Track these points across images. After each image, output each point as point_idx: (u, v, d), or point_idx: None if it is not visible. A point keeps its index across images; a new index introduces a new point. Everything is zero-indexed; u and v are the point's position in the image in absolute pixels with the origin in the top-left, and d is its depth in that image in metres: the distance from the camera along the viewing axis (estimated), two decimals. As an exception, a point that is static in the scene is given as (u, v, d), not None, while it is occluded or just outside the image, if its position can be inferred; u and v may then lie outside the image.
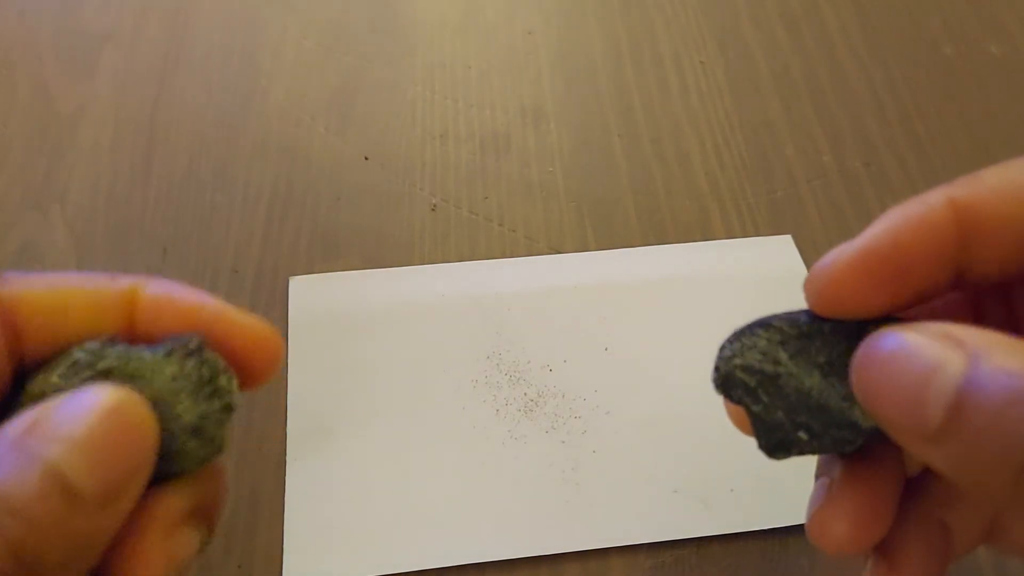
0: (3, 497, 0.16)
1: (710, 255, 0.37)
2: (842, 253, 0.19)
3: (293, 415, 0.32)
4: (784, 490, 0.30)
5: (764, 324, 0.20)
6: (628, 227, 0.38)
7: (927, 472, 0.21)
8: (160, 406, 0.18)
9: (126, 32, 0.45)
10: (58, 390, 0.18)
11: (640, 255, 0.37)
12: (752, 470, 0.30)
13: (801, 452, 0.19)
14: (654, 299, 0.35)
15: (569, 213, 0.38)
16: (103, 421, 0.17)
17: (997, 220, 0.18)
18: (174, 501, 0.19)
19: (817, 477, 0.21)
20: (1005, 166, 0.19)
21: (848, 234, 0.19)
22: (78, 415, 0.17)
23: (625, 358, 0.33)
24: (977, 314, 0.22)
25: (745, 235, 0.37)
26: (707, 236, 0.37)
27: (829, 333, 0.19)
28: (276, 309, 0.35)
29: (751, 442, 0.20)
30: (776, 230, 0.38)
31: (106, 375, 0.19)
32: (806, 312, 0.20)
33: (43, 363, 0.19)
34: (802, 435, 0.19)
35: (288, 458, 0.31)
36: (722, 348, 0.20)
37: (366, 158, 0.40)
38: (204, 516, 0.20)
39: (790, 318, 0.20)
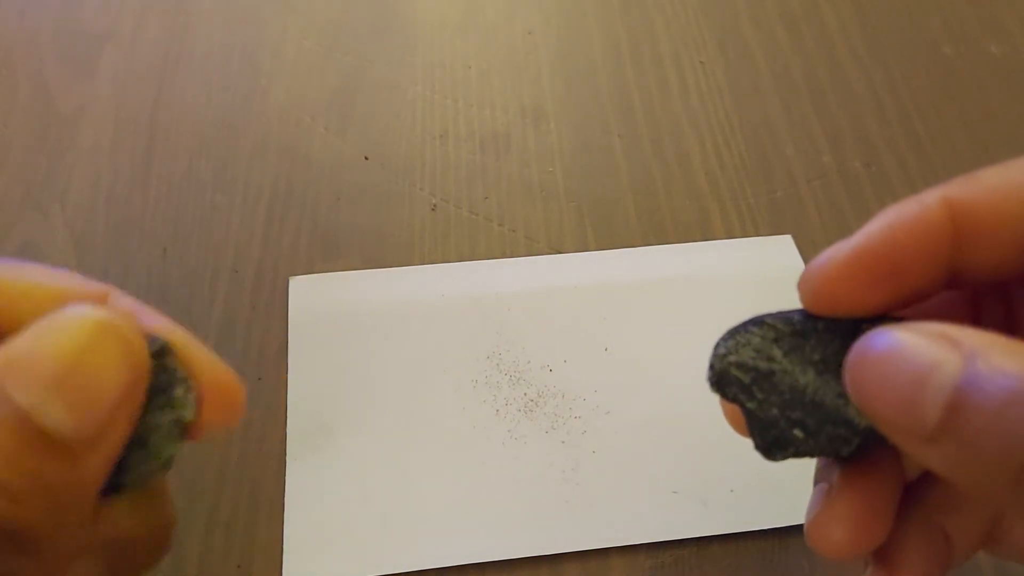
0: None
1: (710, 255, 0.37)
2: (836, 252, 0.19)
3: (293, 415, 0.32)
4: (784, 490, 0.30)
5: (758, 322, 0.20)
6: (628, 227, 0.38)
7: (926, 477, 0.21)
8: None
9: (126, 32, 0.45)
10: None
11: (640, 255, 0.37)
12: (751, 470, 0.30)
13: (797, 452, 0.19)
14: (654, 299, 0.35)
15: (569, 213, 0.38)
16: (80, 344, 0.14)
17: (994, 219, 0.18)
18: (107, 514, 0.17)
19: (816, 483, 0.21)
20: (1003, 166, 0.19)
21: (848, 234, 0.19)
22: (48, 340, 0.14)
23: (625, 358, 0.33)
24: (975, 314, 0.22)
25: (745, 235, 0.37)
26: (707, 236, 0.37)
27: (823, 331, 0.19)
28: (276, 309, 0.35)
29: (750, 443, 0.20)
30: (776, 230, 0.38)
31: None
32: (800, 311, 0.20)
33: None
34: (797, 432, 0.19)
35: (288, 458, 0.31)
36: (716, 346, 0.20)
37: (366, 158, 0.40)
38: (136, 543, 0.18)
39: (784, 316, 0.20)
